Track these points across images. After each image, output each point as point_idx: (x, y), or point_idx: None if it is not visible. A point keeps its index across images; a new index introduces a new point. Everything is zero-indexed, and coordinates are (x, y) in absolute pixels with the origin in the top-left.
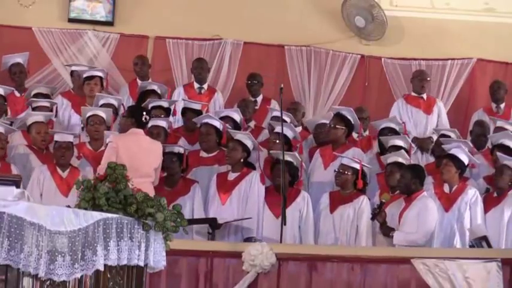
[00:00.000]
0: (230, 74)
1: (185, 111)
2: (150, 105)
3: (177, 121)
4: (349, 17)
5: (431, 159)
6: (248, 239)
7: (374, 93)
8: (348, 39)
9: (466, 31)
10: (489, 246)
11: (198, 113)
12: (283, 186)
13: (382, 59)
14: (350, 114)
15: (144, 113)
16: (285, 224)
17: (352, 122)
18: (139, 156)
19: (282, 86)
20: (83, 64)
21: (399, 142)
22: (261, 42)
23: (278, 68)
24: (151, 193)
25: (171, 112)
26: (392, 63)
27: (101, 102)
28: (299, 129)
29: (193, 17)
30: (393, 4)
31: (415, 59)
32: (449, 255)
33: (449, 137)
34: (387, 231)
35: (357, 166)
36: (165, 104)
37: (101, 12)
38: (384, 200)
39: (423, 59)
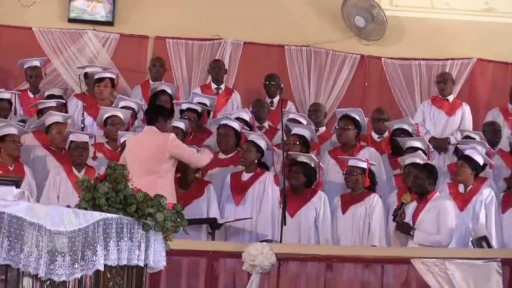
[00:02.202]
0: (230, 74)
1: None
2: (184, 106)
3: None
4: (349, 17)
5: (455, 159)
6: (264, 242)
7: (374, 93)
8: (348, 39)
9: (466, 31)
10: (489, 246)
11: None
12: (283, 186)
13: (382, 59)
14: (359, 115)
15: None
16: (285, 224)
17: (360, 123)
18: (141, 153)
19: (282, 85)
20: (96, 65)
21: (417, 143)
22: (261, 42)
23: (278, 68)
24: (156, 191)
25: (202, 116)
26: (392, 63)
27: (121, 104)
28: (323, 129)
29: (193, 17)
30: (393, 4)
31: (415, 59)
32: (449, 255)
33: (473, 139)
34: (407, 229)
35: (364, 165)
36: (199, 109)
37: (100, 12)
38: (404, 201)
39: (423, 59)
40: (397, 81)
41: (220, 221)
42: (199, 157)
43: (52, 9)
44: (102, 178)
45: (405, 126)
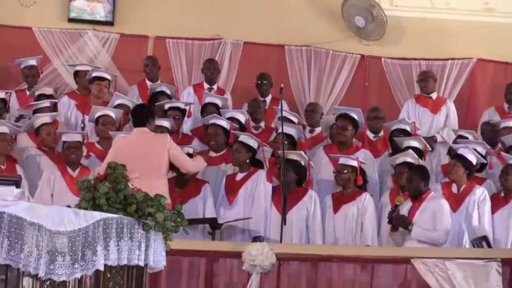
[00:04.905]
0: (230, 74)
1: (204, 107)
2: (167, 106)
3: (189, 122)
4: (349, 17)
5: (448, 159)
6: (256, 238)
7: (374, 93)
8: (348, 39)
9: (466, 31)
10: (489, 246)
11: (218, 108)
12: (283, 185)
13: (382, 59)
14: (358, 116)
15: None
16: (285, 224)
17: (358, 122)
18: (141, 155)
19: (282, 85)
20: (89, 64)
21: (414, 143)
22: (261, 42)
23: (278, 68)
24: (156, 191)
25: (187, 113)
26: (392, 63)
27: (117, 101)
28: (319, 129)
29: (193, 17)
30: (393, 4)
31: (415, 59)
32: (450, 255)
33: (466, 138)
34: (404, 222)
35: (355, 164)
36: (181, 105)
37: (100, 12)
38: (398, 203)
39: (423, 59)
40: (397, 81)
41: (220, 221)
42: (192, 163)
43: (52, 9)
44: (102, 178)
45: (402, 126)
